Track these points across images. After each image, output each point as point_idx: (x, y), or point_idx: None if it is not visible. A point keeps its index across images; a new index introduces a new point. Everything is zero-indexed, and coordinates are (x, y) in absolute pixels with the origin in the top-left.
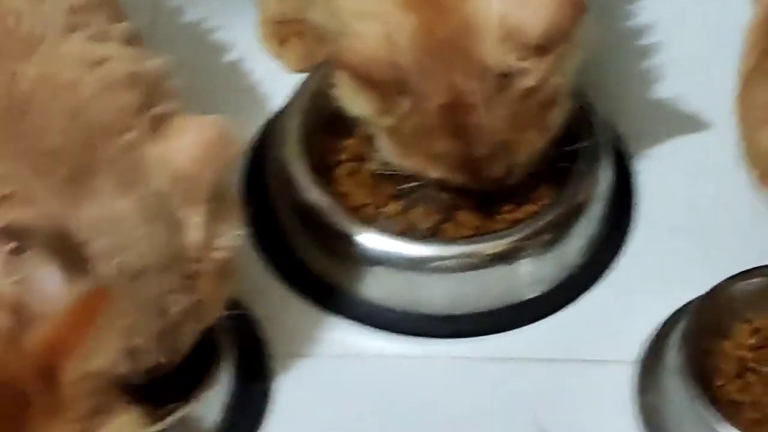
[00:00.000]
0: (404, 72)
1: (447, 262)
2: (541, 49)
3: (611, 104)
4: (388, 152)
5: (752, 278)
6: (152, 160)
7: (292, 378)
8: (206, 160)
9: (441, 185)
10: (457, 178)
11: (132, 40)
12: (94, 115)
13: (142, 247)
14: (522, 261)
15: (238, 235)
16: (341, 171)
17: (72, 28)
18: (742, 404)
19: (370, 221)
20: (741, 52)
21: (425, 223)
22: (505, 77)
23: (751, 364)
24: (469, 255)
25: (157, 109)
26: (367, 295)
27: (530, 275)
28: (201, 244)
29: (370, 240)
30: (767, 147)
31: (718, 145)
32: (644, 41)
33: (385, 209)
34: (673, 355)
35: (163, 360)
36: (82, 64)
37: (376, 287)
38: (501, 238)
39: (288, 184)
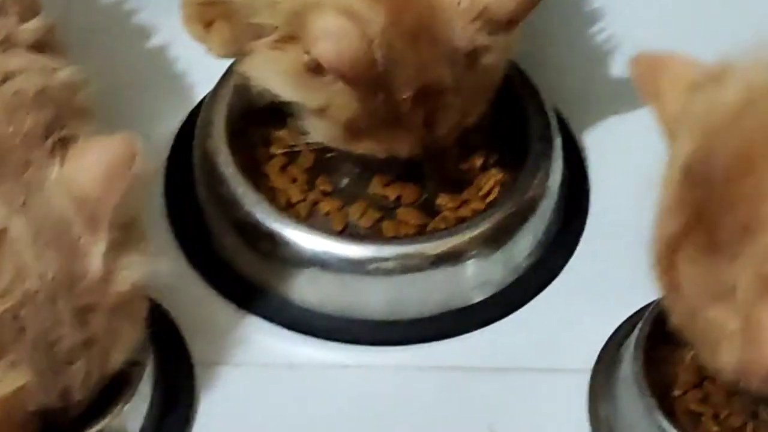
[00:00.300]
0: (380, 67)
1: (386, 264)
2: (511, 23)
3: (561, 95)
4: (330, 137)
5: None
6: (53, 182)
7: (217, 389)
8: (109, 183)
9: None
10: (403, 153)
11: (43, 41)
12: None
13: (29, 271)
14: (467, 262)
15: (145, 269)
16: (272, 165)
17: None
18: (700, 416)
19: (302, 219)
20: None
21: (363, 222)
22: (472, 55)
23: (710, 374)
24: (410, 256)
25: (64, 131)
26: (299, 299)
27: (476, 277)
28: (97, 276)
29: (302, 239)
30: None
31: None
32: (595, 27)
33: (320, 206)
34: (628, 364)
35: (52, 403)
36: None
37: (309, 290)
38: (445, 237)
39: (214, 178)
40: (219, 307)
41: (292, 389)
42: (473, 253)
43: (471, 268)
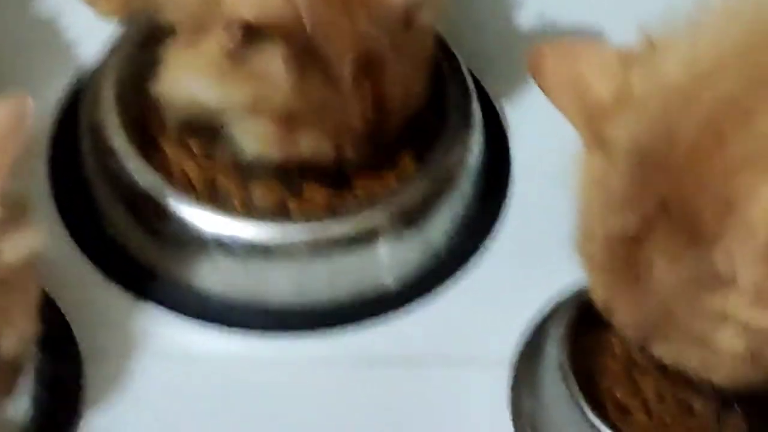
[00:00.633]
0: (309, 31)
1: (292, 246)
2: None
3: (479, 60)
4: (264, 140)
5: None
6: None
7: (107, 382)
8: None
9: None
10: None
11: None
12: None
13: None
14: (380, 244)
15: (29, 247)
16: (167, 138)
17: None
18: (631, 408)
19: (201, 198)
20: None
21: (267, 201)
22: (407, 14)
23: (641, 363)
24: (317, 238)
25: None
26: (197, 285)
27: (389, 260)
28: None
29: (201, 220)
30: None
31: None
32: None
33: (220, 183)
34: (553, 353)
35: None
36: None
37: (209, 275)
38: (355, 217)
39: (103, 151)
40: (110, 294)
41: (190, 382)
42: (386, 233)
43: (383, 250)
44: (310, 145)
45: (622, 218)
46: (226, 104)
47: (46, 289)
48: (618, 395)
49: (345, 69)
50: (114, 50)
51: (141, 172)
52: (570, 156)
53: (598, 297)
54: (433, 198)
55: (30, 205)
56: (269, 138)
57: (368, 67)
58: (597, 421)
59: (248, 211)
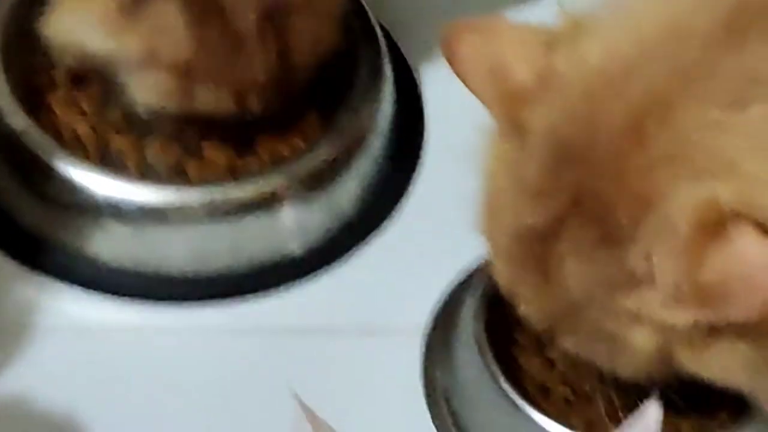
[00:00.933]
0: None
1: (190, 211)
2: None
3: (390, 12)
4: (161, 92)
5: None
6: None
7: None
8: None
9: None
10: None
11: None
12: None
13: None
14: (284, 209)
15: None
16: (56, 95)
17: None
18: (549, 382)
19: (92, 159)
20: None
21: (163, 161)
22: None
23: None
24: (217, 201)
25: None
26: (89, 253)
27: (295, 226)
28: None
29: (92, 183)
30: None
31: None
32: None
33: (112, 143)
34: (468, 324)
35: None
36: None
37: (101, 242)
38: (258, 180)
39: None
40: None
41: (83, 355)
42: (291, 197)
43: (288, 214)
44: (210, 97)
45: (533, 212)
46: (118, 56)
47: None
48: (537, 368)
49: (248, 20)
50: None
51: (28, 133)
52: (484, 128)
53: (502, 284)
54: (341, 160)
55: None
56: (165, 90)
57: (272, 18)
58: (517, 398)
59: (143, 173)
